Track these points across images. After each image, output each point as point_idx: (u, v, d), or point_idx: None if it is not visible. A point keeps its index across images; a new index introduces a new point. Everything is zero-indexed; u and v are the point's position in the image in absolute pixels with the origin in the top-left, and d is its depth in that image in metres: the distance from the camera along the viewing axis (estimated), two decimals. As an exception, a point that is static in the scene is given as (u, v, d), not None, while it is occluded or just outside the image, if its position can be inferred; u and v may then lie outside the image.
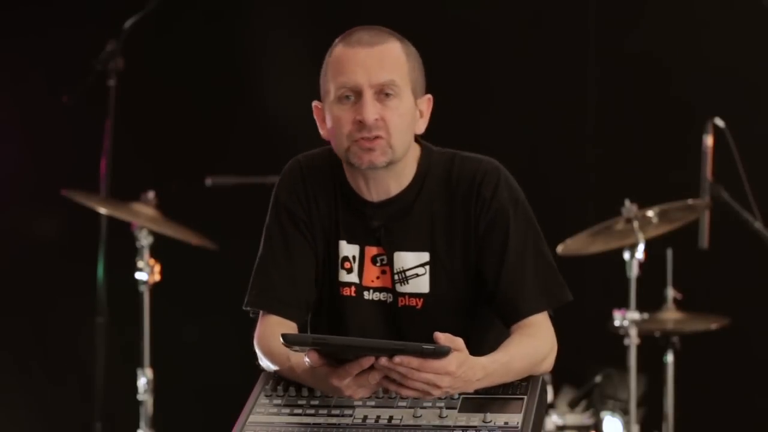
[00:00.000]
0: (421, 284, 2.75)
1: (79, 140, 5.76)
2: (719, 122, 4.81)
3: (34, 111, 5.89)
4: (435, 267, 2.74)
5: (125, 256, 4.94)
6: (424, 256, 2.74)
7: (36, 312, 5.91)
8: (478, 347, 2.61)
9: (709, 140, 4.80)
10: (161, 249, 4.95)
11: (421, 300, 2.75)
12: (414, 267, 2.75)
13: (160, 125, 5.88)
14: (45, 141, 5.91)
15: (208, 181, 5.29)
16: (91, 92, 5.19)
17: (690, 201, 4.73)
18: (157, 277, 4.89)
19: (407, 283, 2.75)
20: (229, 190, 5.35)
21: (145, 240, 4.86)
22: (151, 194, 4.94)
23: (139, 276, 4.87)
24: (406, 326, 2.76)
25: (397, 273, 2.75)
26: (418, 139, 2.81)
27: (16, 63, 5.94)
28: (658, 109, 5.61)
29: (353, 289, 2.79)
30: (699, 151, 4.80)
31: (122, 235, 4.96)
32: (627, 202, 4.68)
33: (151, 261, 4.88)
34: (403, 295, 2.76)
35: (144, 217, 4.87)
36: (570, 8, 5.75)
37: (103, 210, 4.95)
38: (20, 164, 5.91)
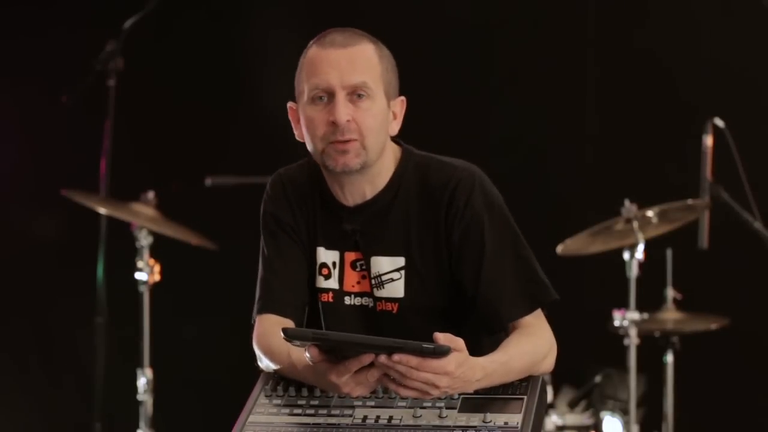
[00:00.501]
0: (396, 289, 2.74)
1: (79, 140, 5.76)
2: (719, 122, 4.81)
3: (34, 111, 5.89)
4: (410, 272, 2.73)
5: (125, 256, 4.95)
6: (400, 261, 2.74)
7: (36, 312, 5.91)
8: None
9: (708, 140, 4.80)
10: (161, 249, 4.95)
11: (397, 305, 2.75)
12: (389, 272, 2.74)
13: (160, 125, 5.88)
14: (45, 141, 5.91)
15: (208, 181, 5.29)
16: (91, 92, 5.19)
17: (690, 201, 4.73)
18: (156, 277, 4.89)
19: (383, 287, 2.75)
20: (228, 190, 5.35)
21: (144, 240, 4.86)
22: (150, 194, 4.94)
23: (139, 276, 4.87)
24: (385, 331, 2.74)
25: (374, 278, 2.75)
26: (399, 141, 2.81)
27: (16, 63, 5.94)
28: (658, 109, 5.61)
29: (331, 295, 2.79)
30: (699, 151, 4.81)
31: (122, 235, 4.96)
32: (627, 202, 4.68)
33: (151, 261, 4.88)
34: (380, 299, 2.76)
35: (144, 217, 4.87)
36: (570, 8, 5.75)
37: (102, 210, 4.95)
38: (20, 164, 5.91)
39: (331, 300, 2.79)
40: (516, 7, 5.73)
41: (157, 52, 5.85)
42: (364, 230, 2.75)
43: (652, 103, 5.62)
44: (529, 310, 2.69)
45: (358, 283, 2.77)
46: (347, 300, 2.78)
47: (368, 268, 2.75)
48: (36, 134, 5.93)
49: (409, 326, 2.69)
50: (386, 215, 2.75)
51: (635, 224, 4.65)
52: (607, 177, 5.61)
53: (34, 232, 5.91)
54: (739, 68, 5.50)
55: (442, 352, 2.38)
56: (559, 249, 4.69)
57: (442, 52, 5.53)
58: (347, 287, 2.78)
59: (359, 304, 2.78)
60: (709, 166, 4.78)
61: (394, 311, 2.75)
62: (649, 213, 4.67)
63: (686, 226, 4.77)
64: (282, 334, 2.40)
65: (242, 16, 5.95)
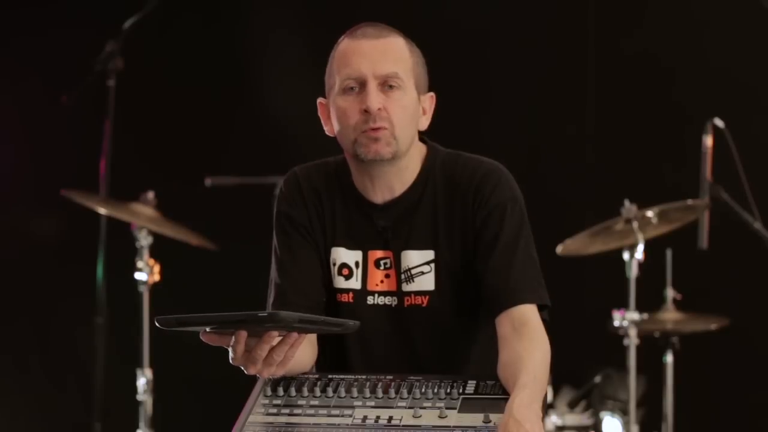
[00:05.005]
0: (426, 282, 2.75)
1: (79, 140, 5.76)
2: (719, 122, 4.81)
3: (34, 111, 5.89)
4: (439, 264, 2.75)
5: (125, 257, 4.94)
6: (429, 254, 2.75)
7: (36, 312, 5.91)
8: (488, 347, 2.66)
9: (708, 140, 4.80)
10: (161, 249, 4.95)
11: (427, 298, 2.75)
12: (419, 265, 2.76)
13: (160, 125, 5.88)
14: (45, 141, 5.90)
15: (208, 181, 5.29)
16: (91, 92, 5.19)
17: (689, 201, 4.73)
18: (156, 278, 4.89)
19: (413, 281, 2.76)
20: (228, 190, 5.35)
21: (144, 240, 4.85)
22: (150, 194, 4.93)
23: (139, 276, 4.86)
24: (413, 327, 2.76)
25: (404, 272, 2.76)
26: (425, 139, 2.84)
27: (16, 63, 5.94)
28: (657, 109, 5.61)
29: (351, 295, 2.79)
30: (698, 151, 4.80)
31: (122, 236, 4.96)
32: (626, 203, 4.68)
33: (151, 261, 4.88)
34: (409, 294, 2.76)
35: (143, 218, 4.87)
36: (570, 8, 5.75)
37: (102, 210, 4.95)
38: (20, 164, 5.91)
39: (351, 300, 2.79)
40: (516, 7, 5.73)
41: (157, 52, 5.84)
42: (395, 227, 2.77)
43: (651, 104, 5.62)
44: (531, 300, 2.69)
45: (382, 282, 2.78)
46: (370, 299, 2.78)
47: (398, 264, 2.76)
48: (36, 134, 5.92)
49: (438, 319, 2.73)
50: (415, 210, 2.77)
51: (635, 224, 4.65)
52: (607, 177, 5.61)
53: (34, 232, 5.91)
54: (739, 69, 5.50)
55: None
56: (559, 249, 4.69)
57: (440, 52, 5.51)
58: (371, 286, 2.78)
59: (382, 303, 2.78)
60: (709, 167, 4.78)
61: (424, 304, 2.75)
62: (649, 213, 4.67)
63: (686, 226, 4.77)
64: (157, 323, 2.44)
65: (242, 16, 5.95)
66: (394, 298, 2.77)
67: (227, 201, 5.51)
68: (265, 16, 5.94)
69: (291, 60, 5.80)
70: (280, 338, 2.44)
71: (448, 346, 2.77)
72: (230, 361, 2.47)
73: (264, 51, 5.90)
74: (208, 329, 2.44)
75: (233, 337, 2.43)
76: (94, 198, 5.00)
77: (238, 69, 5.91)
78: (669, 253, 4.93)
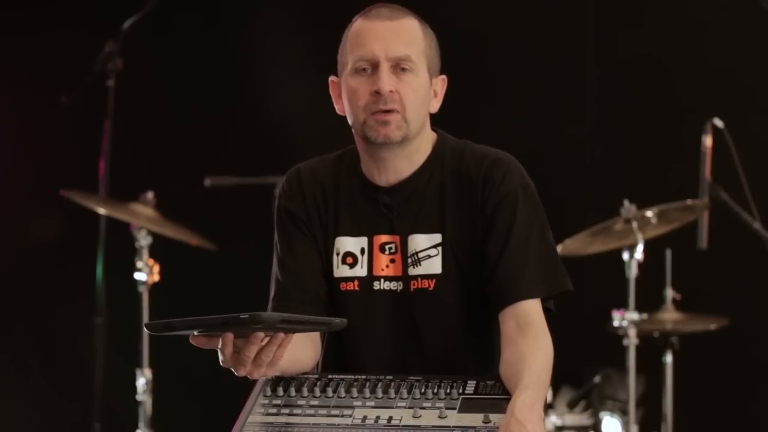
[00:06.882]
0: (434, 265, 2.74)
1: (78, 141, 5.76)
2: (718, 123, 4.81)
3: (34, 111, 5.89)
4: (446, 248, 2.74)
5: (124, 257, 4.94)
6: (436, 238, 2.74)
7: (35, 313, 5.91)
8: (493, 333, 2.67)
9: (708, 141, 4.80)
10: (160, 249, 4.95)
11: (434, 281, 2.74)
12: (426, 249, 2.74)
13: (160, 125, 5.88)
14: (44, 141, 5.90)
15: (208, 182, 5.29)
16: (90, 93, 5.19)
17: (689, 201, 4.73)
18: (156, 278, 4.89)
19: (420, 264, 2.74)
20: (228, 191, 5.35)
21: (144, 240, 4.85)
22: (150, 194, 4.94)
23: (138, 276, 4.86)
24: (419, 311, 2.74)
25: (410, 256, 2.75)
26: (435, 128, 2.84)
27: (16, 63, 5.94)
28: (657, 109, 5.61)
29: (356, 282, 2.77)
30: (698, 151, 4.81)
31: (121, 236, 4.96)
32: (626, 203, 4.68)
33: (150, 261, 4.88)
34: (416, 277, 2.75)
35: (143, 218, 4.87)
36: (569, 8, 5.75)
37: (102, 210, 4.95)
38: (20, 164, 5.91)
39: (356, 288, 2.77)
40: (516, 7, 5.73)
41: (157, 53, 5.85)
42: (400, 209, 2.76)
43: (651, 104, 5.62)
44: (545, 293, 2.69)
45: (387, 266, 2.76)
46: (376, 285, 2.77)
47: (404, 248, 2.75)
48: (36, 134, 5.92)
49: (444, 302, 2.72)
50: (422, 194, 2.76)
51: (634, 224, 4.65)
52: (606, 177, 5.61)
53: (33, 232, 5.91)
54: (739, 69, 5.51)
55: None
56: (559, 249, 4.67)
57: (441, 52, 5.53)
58: (376, 271, 2.76)
59: (388, 288, 2.76)
60: (709, 167, 4.78)
61: (431, 288, 2.74)
62: (649, 213, 4.67)
63: (685, 226, 4.77)
64: (146, 329, 2.44)
65: (241, 16, 5.95)
66: (400, 283, 2.76)
67: (227, 201, 5.51)
68: (265, 16, 5.94)
69: (290, 60, 5.80)
70: (268, 339, 2.43)
71: (453, 334, 2.75)
72: (220, 364, 2.47)
73: (263, 51, 5.90)
74: (196, 332, 2.43)
75: (221, 339, 2.42)
76: (94, 198, 5.00)
77: (237, 69, 5.91)
78: (668, 253, 4.93)
